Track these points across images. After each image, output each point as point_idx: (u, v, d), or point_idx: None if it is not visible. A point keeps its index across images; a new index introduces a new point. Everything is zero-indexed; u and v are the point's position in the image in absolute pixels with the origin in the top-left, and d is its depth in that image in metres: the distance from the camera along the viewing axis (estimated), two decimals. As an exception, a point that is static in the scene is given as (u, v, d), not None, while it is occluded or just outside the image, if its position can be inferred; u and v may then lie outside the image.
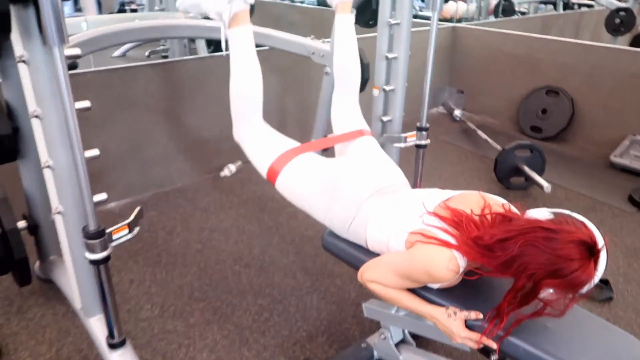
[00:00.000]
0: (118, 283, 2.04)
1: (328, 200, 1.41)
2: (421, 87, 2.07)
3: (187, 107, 2.86)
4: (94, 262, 1.27)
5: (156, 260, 2.21)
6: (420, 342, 1.63)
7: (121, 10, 5.85)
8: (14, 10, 1.12)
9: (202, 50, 4.44)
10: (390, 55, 2.14)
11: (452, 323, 1.16)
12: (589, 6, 6.65)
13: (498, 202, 1.22)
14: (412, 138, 2.17)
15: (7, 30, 1.14)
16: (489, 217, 1.13)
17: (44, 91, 1.21)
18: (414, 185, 2.25)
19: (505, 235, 1.04)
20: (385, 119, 2.26)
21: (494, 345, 1.13)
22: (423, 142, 2.16)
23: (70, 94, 1.09)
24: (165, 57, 4.91)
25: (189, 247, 2.32)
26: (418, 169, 2.24)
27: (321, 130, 2.84)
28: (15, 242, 1.56)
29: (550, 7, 6.73)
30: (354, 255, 1.40)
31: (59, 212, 1.37)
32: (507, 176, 2.99)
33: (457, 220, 1.15)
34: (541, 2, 6.76)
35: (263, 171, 1.50)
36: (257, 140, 1.52)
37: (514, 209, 1.19)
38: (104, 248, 1.26)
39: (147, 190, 2.80)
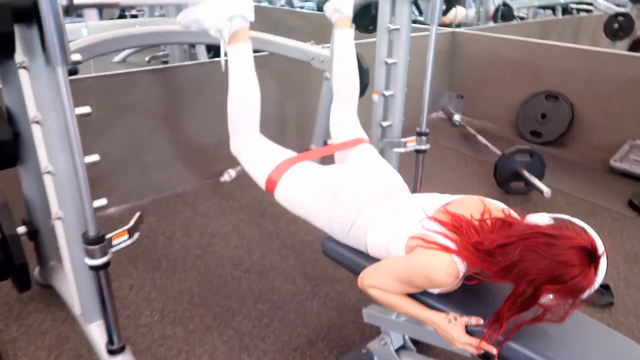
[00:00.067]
0: (118, 289, 2.03)
1: (328, 206, 1.41)
2: (421, 92, 2.07)
3: (187, 113, 2.86)
4: (94, 268, 1.27)
5: (156, 266, 2.21)
6: (421, 347, 1.62)
7: (122, 16, 5.88)
8: (17, 29, 1.12)
9: (202, 55, 4.45)
10: (389, 61, 2.15)
11: (453, 329, 1.16)
12: (587, 11, 6.67)
13: (498, 207, 1.22)
14: (411, 143, 2.17)
15: (12, 50, 1.15)
16: (489, 222, 1.14)
17: (45, 97, 1.21)
18: (414, 190, 2.25)
19: (506, 240, 1.04)
20: (384, 124, 2.26)
21: (493, 350, 1.12)
22: (423, 147, 2.17)
23: (70, 100, 1.09)
24: (166, 62, 4.94)
25: (189, 253, 2.32)
26: (418, 173, 2.24)
27: (321, 135, 2.84)
28: (15, 248, 1.56)
29: (549, 12, 6.75)
30: (354, 260, 1.40)
31: (58, 218, 1.37)
32: (506, 181, 2.99)
33: (457, 225, 1.15)
34: (540, 7, 6.77)
35: (261, 182, 1.50)
36: (255, 152, 1.53)
37: (514, 214, 1.19)
38: (104, 254, 1.26)
39: (147, 195, 2.80)
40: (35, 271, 1.95)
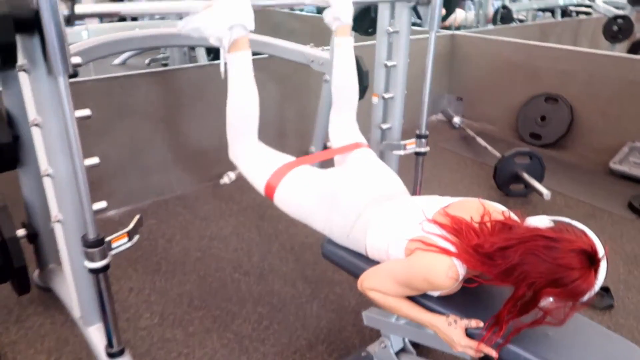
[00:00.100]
0: (117, 291, 2.03)
1: (327, 209, 1.41)
2: (420, 94, 2.07)
3: (187, 115, 2.86)
4: (93, 271, 1.27)
5: (155, 269, 2.21)
6: (421, 350, 1.62)
7: (122, 19, 5.88)
8: (19, 39, 1.12)
9: (202, 58, 4.46)
10: (389, 63, 2.15)
11: (453, 331, 1.16)
12: (587, 14, 6.69)
13: (498, 210, 1.22)
14: (411, 145, 2.18)
15: (14, 61, 1.15)
16: (488, 224, 1.13)
17: (45, 100, 1.21)
18: (414, 192, 2.25)
19: (506, 243, 1.04)
20: (384, 126, 2.27)
21: (493, 353, 1.12)
22: (422, 150, 2.17)
23: (70, 103, 1.09)
24: (166, 65, 4.94)
25: (189, 255, 2.32)
26: (417, 176, 2.24)
27: (321, 137, 2.85)
28: (15, 251, 1.56)
29: (549, 14, 6.77)
30: (353, 263, 1.40)
31: (58, 221, 1.37)
32: (506, 183, 2.99)
33: (457, 228, 1.15)
34: (539, 10, 6.79)
35: (260, 188, 1.51)
36: (253, 158, 1.54)
37: (513, 217, 1.19)
38: (103, 256, 1.26)
39: (147, 198, 2.80)
40: (35, 274, 1.94)
